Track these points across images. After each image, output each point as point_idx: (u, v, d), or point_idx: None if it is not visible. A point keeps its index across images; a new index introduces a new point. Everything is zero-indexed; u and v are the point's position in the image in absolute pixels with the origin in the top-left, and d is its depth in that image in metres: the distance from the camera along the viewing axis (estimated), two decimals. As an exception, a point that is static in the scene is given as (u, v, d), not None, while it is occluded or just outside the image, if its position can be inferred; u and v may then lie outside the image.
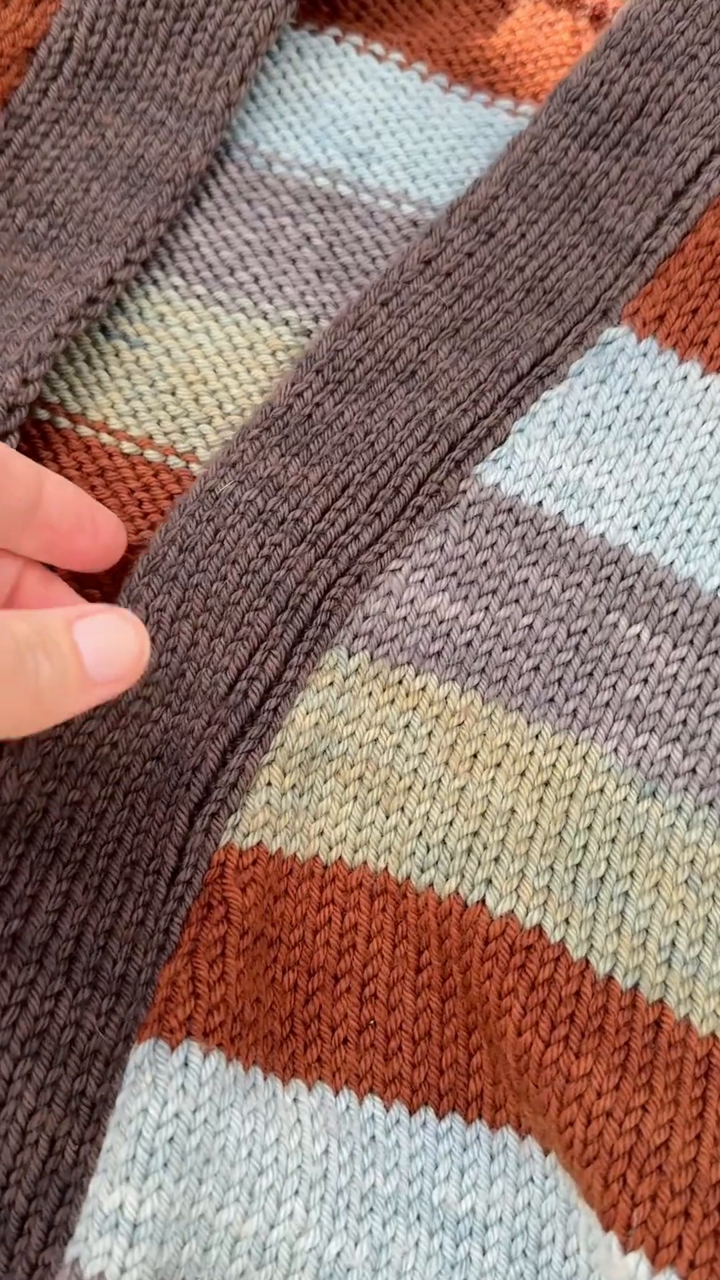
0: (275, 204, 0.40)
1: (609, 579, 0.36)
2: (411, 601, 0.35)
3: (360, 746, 0.34)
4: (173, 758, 0.34)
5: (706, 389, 0.37)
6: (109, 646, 0.31)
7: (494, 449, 0.37)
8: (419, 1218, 0.31)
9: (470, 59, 0.41)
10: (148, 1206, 0.29)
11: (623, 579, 0.36)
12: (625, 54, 0.39)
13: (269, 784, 0.33)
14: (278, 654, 0.35)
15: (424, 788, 0.34)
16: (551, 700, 0.35)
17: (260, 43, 0.39)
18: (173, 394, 0.39)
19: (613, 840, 0.34)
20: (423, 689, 0.35)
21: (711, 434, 0.37)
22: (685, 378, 0.37)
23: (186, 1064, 0.30)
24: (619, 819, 0.34)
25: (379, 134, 0.40)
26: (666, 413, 0.37)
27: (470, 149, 0.41)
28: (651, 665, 0.36)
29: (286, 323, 0.39)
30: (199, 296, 0.39)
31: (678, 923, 0.34)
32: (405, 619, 0.35)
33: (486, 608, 0.36)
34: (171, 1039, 0.30)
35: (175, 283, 0.39)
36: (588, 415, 0.37)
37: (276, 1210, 0.30)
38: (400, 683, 0.35)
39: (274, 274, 0.39)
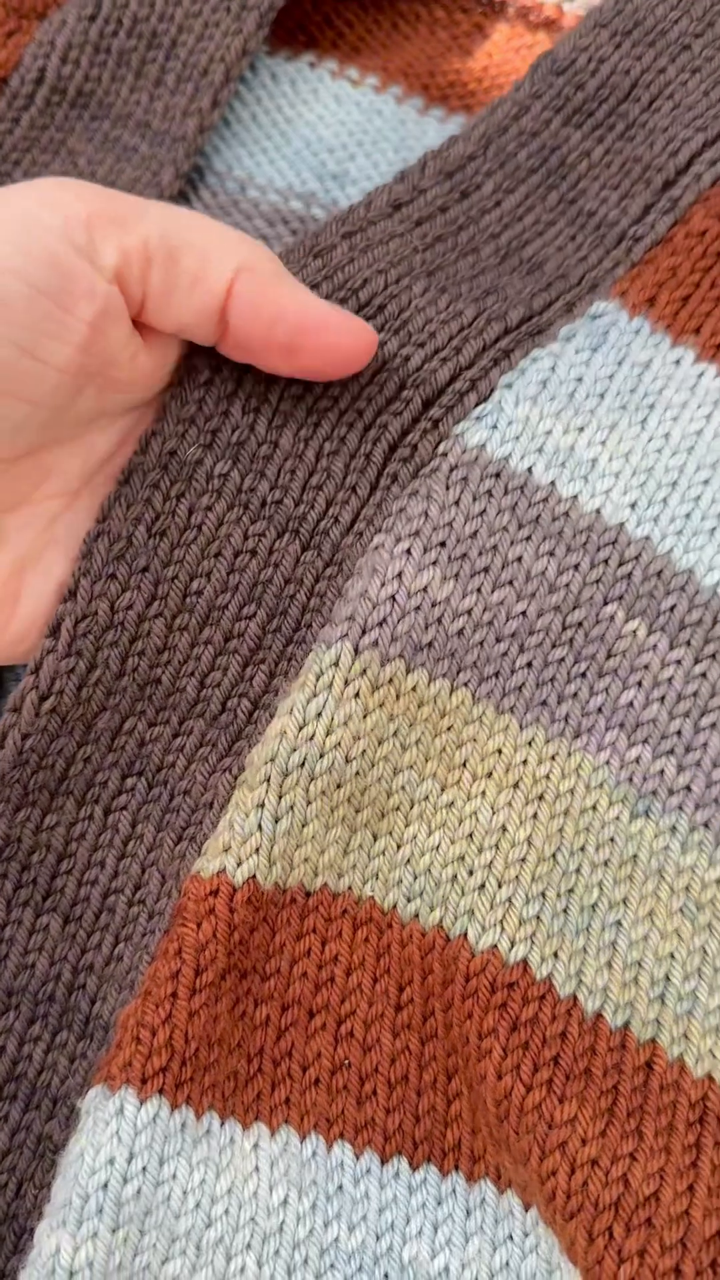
0: (249, 228, 0.39)
1: (606, 562, 0.33)
2: (399, 577, 0.31)
3: (348, 761, 0.31)
4: (158, 775, 0.32)
5: (700, 375, 0.35)
6: None
7: (477, 404, 0.33)
8: (386, 1276, 0.28)
9: (447, 82, 0.41)
10: (83, 1254, 0.27)
11: (621, 564, 0.33)
12: (615, 35, 0.37)
13: (236, 805, 0.31)
14: (267, 666, 0.32)
15: (412, 806, 0.32)
16: (544, 703, 0.32)
17: (232, 68, 0.39)
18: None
19: (606, 863, 0.32)
20: (413, 688, 0.32)
21: (708, 418, 0.35)
22: (678, 361, 0.35)
23: (122, 1110, 0.28)
24: (612, 839, 0.32)
25: (353, 156, 0.40)
26: (660, 390, 0.35)
27: (448, 169, 0.40)
28: (647, 667, 0.33)
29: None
30: (172, 320, 0.38)
31: (672, 955, 0.31)
32: (394, 599, 0.31)
33: (479, 589, 0.32)
34: (112, 1084, 0.28)
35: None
36: (580, 380, 0.34)
37: (226, 1265, 0.28)
38: (391, 681, 0.31)
39: (248, 296, 0.38)
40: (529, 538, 0.33)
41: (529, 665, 0.32)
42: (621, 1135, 0.28)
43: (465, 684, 0.32)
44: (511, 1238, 0.28)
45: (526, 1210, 0.29)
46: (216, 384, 0.33)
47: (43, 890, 0.32)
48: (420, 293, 0.33)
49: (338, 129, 0.40)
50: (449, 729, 0.32)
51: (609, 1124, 0.28)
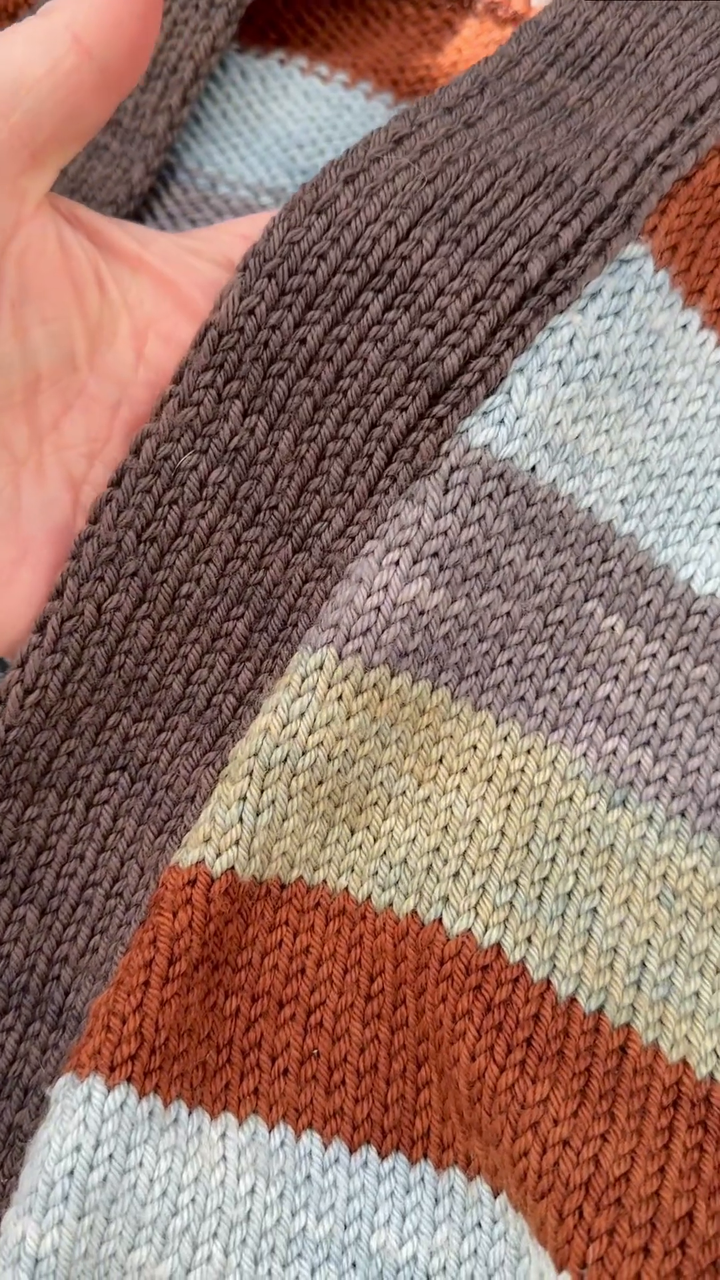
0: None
1: (590, 560, 0.32)
2: (386, 588, 0.31)
3: (330, 759, 0.31)
4: (141, 770, 0.32)
5: (702, 345, 0.34)
6: None
7: (486, 396, 0.31)
8: (354, 1265, 0.28)
9: (416, 78, 0.41)
10: (48, 1241, 0.26)
11: (604, 561, 0.33)
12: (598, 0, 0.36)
13: (218, 798, 0.31)
14: (252, 664, 0.32)
15: (389, 800, 0.32)
16: (522, 699, 0.32)
17: (201, 65, 0.39)
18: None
19: (582, 852, 0.31)
20: (397, 691, 0.31)
21: (703, 399, 0.34)
22: (685, 327, 0.33)
23: (89, 1098, 0.28)
24: (588, 829, 0.32)
25: (323, 151, 0.40)
26: (667, 365, 0.33)
27: (418, 163, 0.40)
28: (623, 661, 0.33)
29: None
30: (143, 315, 0.38)
31: (648, 941, 0.31)
32: (379, 609, 0.31)
33: (468, 594, 0.32)
34: (80, 1072, 0.28)
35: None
36: (597, 356, 0.32)
37: (193, 1253, 0.27)
38: (375, 686, 0.31)
39: (219, 290, 0.38)
40: (523, 540, 0.32)
41: (509, 663, 0.32)
42: (594, 1116, 0.28)
43: (446, 684, 0.32)
44: (480, 1225, 0.28)
45: (495, 1197, 0.28)
46: (216, 383, 0.32)
47: (20, 882, 0.32)
48: (433, 246, 0.31)
49: (307, 125, 0.41)
50: (428, 726, 0.32)
51: (581, 1105, 0.28)
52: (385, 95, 0.41)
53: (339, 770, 0.31)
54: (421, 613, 0.31)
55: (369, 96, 0.41)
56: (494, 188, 0.32)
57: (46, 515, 0.32)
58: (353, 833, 0.32)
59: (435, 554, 0.31)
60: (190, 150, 0.41)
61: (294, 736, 0.31)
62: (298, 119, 0.41)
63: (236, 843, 0.30)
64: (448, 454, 0.31)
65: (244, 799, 0.30)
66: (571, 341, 0.31)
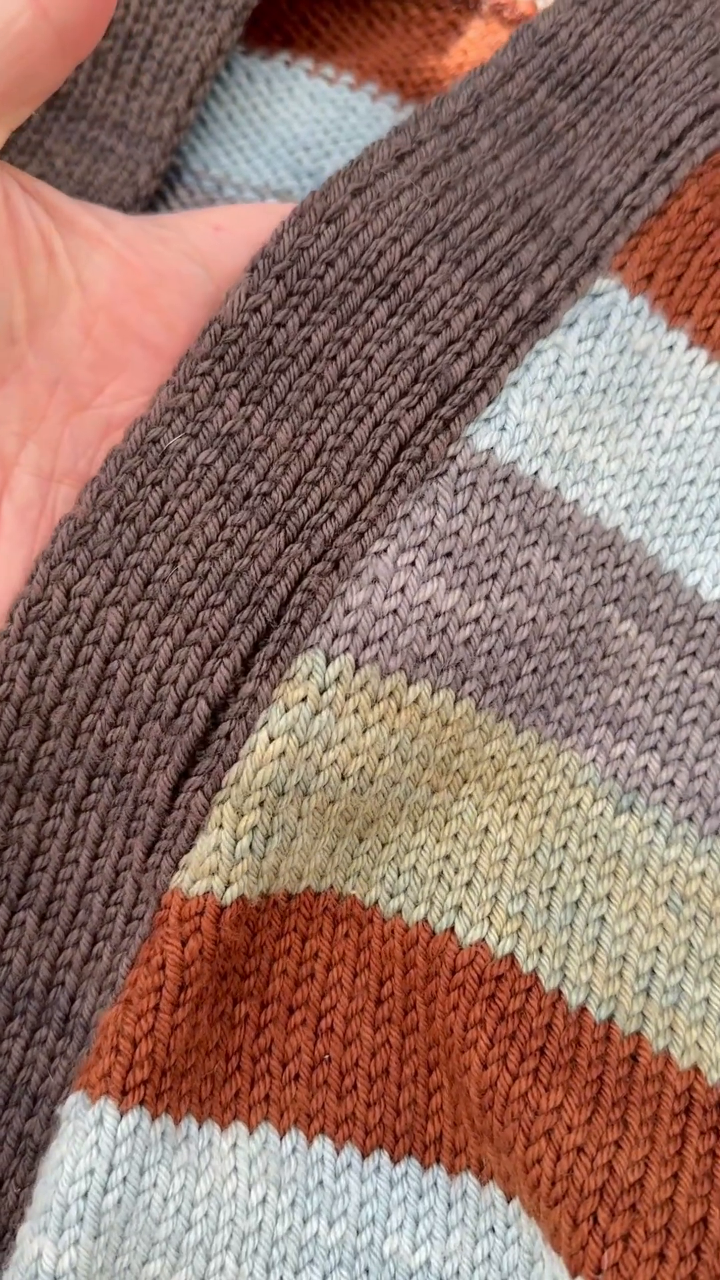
0: (226, 225, 0.39)
1: (604, 565, 0.33)
2: (402, 590, 0.30)
3: (344, 778, 0.30)
4: (122, 780, 0.31)
5: (692, 363, 0.34)
6: None
7: (488, 404, 0.32)
8: (367, 1270, 0.28)
9: (422, 79, 0.41)
10: (65, 1260, 0.27)
11: (617, 566, 0.33)
12: (595, 11, 0.36)
13: (220, 826, 0.30)
14: (229, 662, 0.30)
15: (401, 808, 0.31)
16: (542, 706, 0.32)
17: (207, 67, 0.39)
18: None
19: (589, 860, 0.31)
20: (415, 700, 0.31)
21: (697, 412, 0.34)
22: (672, 347, 0.34)
23: (101, 1121, 0.28)
24: (595, 836, 0.32)
25: (329, 153, 0.40)
26: (655, 382, 0.34)
27: (425, 166, 0.40)
28: (634, 666, 0.33)
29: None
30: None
31: (657, 948, 0.31)
32: (396, 612, 0.30)
33: (488, 596, 0.31)
34: (91, 1093, 0.28)
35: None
36: (584, 374, 0.33)
37: (206, 1264, 0.27)
38: (392, 694, 0.30)
39: (225, 293, 0.38)
40: (536, 543, 0.32)
41: (534, 670, 0.32)
42: (607, 1124, 0.28)
43: (470, 694, 0.31)
44: (493, 1230, 0.28)
45: (508, 1202, 0.28)
46: (214, 373, 0.32)
47: (16, 887, 0.32)
48: (435, 264, 0.32)
49: (313, 127, 0.41)
50: (450, 739, 0.31)
51: (594, 1112, 0.28)
52: (391, 97, 0.41)
53: (354, 789, 0.30)
54: (438, 615, 0.31)
55: (375, 98, 0.41)
56: (488, 220, 0.33)
57: None
58: (360, 840, 0.31)
59: (449, 554, 0.31)
60: (196, 152, 0.41)
61: (309, 759, 0.30)
62: (303, 121, 0.41)
63: (246, 873, 0.30)
64: (454, 457, 0.32)
65: (255, 829, 0.30)
66: (558, 360, 0.32)
